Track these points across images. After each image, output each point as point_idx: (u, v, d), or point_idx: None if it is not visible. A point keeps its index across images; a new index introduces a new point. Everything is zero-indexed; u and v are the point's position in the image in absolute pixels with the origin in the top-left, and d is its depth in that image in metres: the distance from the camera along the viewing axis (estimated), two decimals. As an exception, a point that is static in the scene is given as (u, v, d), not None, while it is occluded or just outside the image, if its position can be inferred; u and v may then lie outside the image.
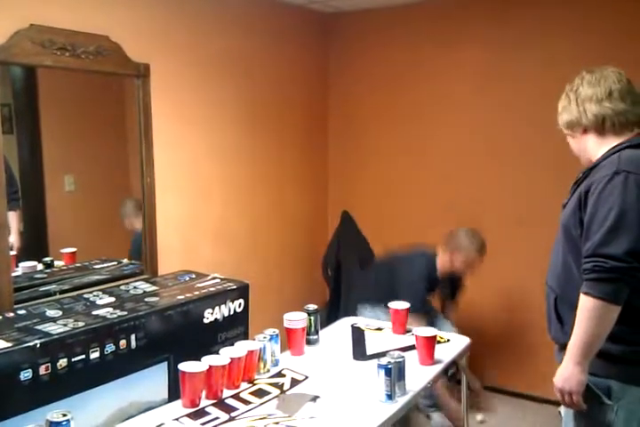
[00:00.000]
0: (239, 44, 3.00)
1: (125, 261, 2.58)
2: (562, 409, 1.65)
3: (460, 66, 3.19)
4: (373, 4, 3.34)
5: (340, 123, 3.68)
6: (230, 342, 1.97)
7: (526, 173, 3.08)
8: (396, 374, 1.71)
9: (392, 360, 1.70)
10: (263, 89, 3.19)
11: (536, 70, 3.00)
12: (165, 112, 2.60)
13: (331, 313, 3.32)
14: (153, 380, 1.85)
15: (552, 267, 1.65)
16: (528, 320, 3.14)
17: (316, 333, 2.15)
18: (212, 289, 2.08)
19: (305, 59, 3.51)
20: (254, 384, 1.79)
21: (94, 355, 1.67)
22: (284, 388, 1.77)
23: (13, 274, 2.14)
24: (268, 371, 1.88)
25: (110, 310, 1.83)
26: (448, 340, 2.17)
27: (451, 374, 2.20)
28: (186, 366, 1.62)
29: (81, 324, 1.69)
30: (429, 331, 1.98)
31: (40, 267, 2.32)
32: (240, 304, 2.13)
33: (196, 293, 2.03)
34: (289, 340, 2.05)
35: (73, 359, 1.61)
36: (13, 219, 2.16)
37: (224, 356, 1.72)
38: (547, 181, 2.99)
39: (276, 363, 1.92)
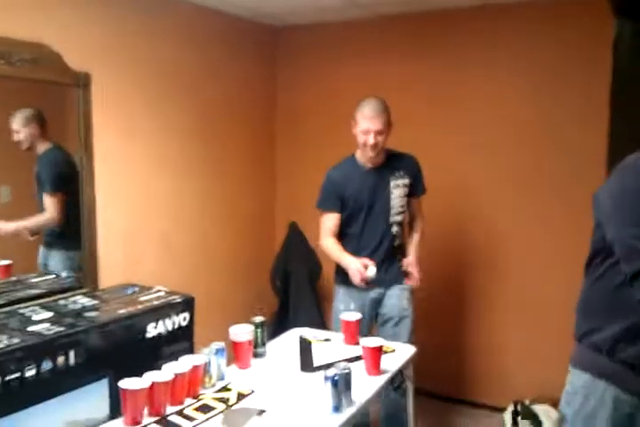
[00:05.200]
0: (186, 56, 2.97)
1: (65, 274, 2.50)
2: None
3: (406, 81, 3.25)
4: (322, 19, 3.38)
5: (288, 135, 3.69)
6: (175, 356, 1.93)
7: (474, 182, 3.17)
8: (342, 385, 1.71)
9: (338, 372, 1.70)
10: (211, 101, 3.17)
11: (486, 88, 3.10)
12: (108, 122, 2.54)
13: (279, 324, 3.30)
14: (93, 397, 1.78)
15: None
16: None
17: (263, 345, 2.14)
18: (155, 302, 2.03)
19: (253, 71, 3.50)
20: (199, 400, 1.75)
21: (30, 373, 1.59)
22: (230, 402, 1.74)
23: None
24: (214, 385, 1.85)
25: (47, 325, 1.76)
26: (394, 350, 2.19)
27: (397, 384, 2.21)
28: (127, 383, 1.57)
29: (16, 340, 1.61)
30: (375, 341, 1.99)
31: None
32: (185, 318, 2.08)
33: (139, 306, 1.97)
34: (235, 353, 2.02)
35: (7, 378, 1.54)
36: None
37: (167, 371, 1.68)
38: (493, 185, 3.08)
39: (221, 377, 1.89)
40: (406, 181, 2.60)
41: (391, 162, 2.59)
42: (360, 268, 2.39)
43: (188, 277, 3.00)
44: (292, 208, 3.69)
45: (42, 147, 2.41)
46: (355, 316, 2.25)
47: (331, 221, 2.57)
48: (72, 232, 2.49)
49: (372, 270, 2.39)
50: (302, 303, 3.47)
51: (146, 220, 2.81)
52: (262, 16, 3.32)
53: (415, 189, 2.65)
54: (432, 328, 3.11)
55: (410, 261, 2.65)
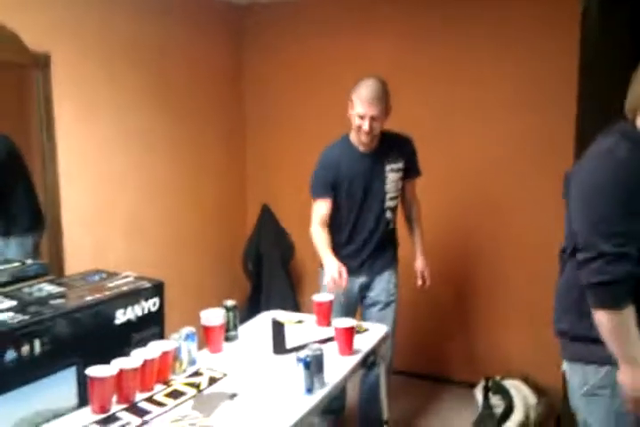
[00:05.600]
0: (150, 32, 2.89)
1: (29, 261, 2.43)
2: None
3: (377, 57, 3.20)
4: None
5: (259, 114, 3.63)
6: (145, 343, 1.90)
7: (444, 162, 3.16)
8: (314, 366, 1.70)
9: (310, 353, 1.69)
10: (178, 78, 3.10)
11: (448, 63, 3.08)
12: (69, 103, 2.47)
13: (252, 308, 3.29)
14: (61, 386, 1.75)
15: None
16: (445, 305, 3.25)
17: (235, 329, 2.12)
18: (124, 288, 1.98)
19: (220, 47, 3.44)
20: (169, 386, 1.73)
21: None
22: (201, 387, 1.72)
23: None
24: (185, 371, 1.83)
25: (11, 314, 1.71)
26: (367, 329, 2.19)
27: (370, 362, 2.22)
28: (94, 371, 1.55)
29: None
30: (348, 322, 1.99)
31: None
32: (155, 303, 2.04)
33: (107, 293, 1.93)
34: (206, 337, 2.00)
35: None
36: None
37: (136, 358, 1.65)
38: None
39: (192, 362, 1.87)
40: (401, 164, 2.51)
41: (386, 144, 2.47)
42: (336, 276, 2.29)
43: (158, 261, 2.97)
44: (263, 190, 3.65)
45: None
46: (327, 297, 2.24)
47: (323, 207, 2.47)
48: (27, 216, 2.42)
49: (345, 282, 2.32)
50: (275, 286, 3.46)
51: (112, 203, 2.76)
52: None
53: (410, 172, 2.56)
54: (409, 310, 3.12)
55: (422, 267, 2.58)
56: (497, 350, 3.16)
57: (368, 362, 2.07)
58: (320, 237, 2.44)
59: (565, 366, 1.59)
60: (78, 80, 2.53)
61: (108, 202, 2.73)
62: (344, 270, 2.31)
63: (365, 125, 2.31)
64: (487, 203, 3.11)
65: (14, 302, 1.83)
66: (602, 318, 1.39)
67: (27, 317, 1.69)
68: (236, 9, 3.48)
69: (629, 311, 1.37)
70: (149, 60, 2.91)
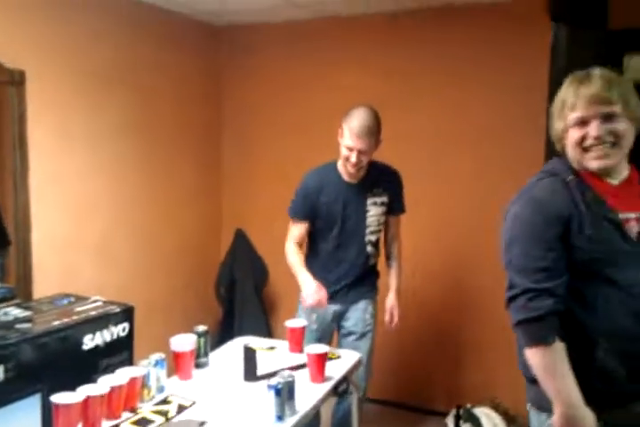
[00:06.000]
0: (127, 53, 2.91)
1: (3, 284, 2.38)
2: None
3: (356, 84, 3.24)
4: (265, 19, 3.36)
5: (235, 138, 3.65)
6: (113, 369, 1.86)
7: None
8: (285, 394, 1.69)
9: (282, 380, 1.68)
10: (154, 101, 3.11)
11: (429, 95, 3.14)
12: (44, 122, 2.46)
13: (224, 334, 3.25)
14: (25, 414, 1.69)
15: None
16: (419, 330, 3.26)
17: (206, 355, 2.09)
18: (92, 313, 1.95)
19: (197, 70, 3.46)
20: (137, 413, 1.69)
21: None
22: (169, 415, 1.69)
23: None
24: (153, 398, 1.79)
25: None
26: (339, 356, 2.18)
27: (342, 390, 2.20)
28: (59, 398, 1.50)
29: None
30: (320, 348, 1.98)
31: None
32: (124, 328, 2.01)
33: (75, 317, 1.89)
34: (176, 364, 1.97)
35: None
36: None
37: (103, 385, 1.62)
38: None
39: (161, 389, 1.84)
40: (385, 198, 2.46)
41: (371, 177, 2.43)
42: (313, 295, 2.24)
43: (128, 285, 2.92)
44: (238, 215, 3.65)
45: None
46: (299, 323, 2.23)
47: (299, 229, 2.44)
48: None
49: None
50: (248, 312, 3.43)
51: (83, 225, 2.72)
52: (203, 14, 3.28)
53: (394, 208, 2.52)
54: (388, 340, 3.10)
55: (392, 305, 2.54)
56: (471, 379, 3.16)
57: (340, 390, 2.06)
58: (295, 256, 2.42)
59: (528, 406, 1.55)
60: (53, 99, 2.52)
61: (79, 224, 2.70)
62: (322, 289, 2.27)
63: (353, 158, 2.27)
64: (469, 234, 3.14)
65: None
66: (532, 356, 1.37)
67: (9, 336, 1.65)
68: (214, 31, 3.52)
69: (559, 348, 1.34)
70: (126, 81, 2.91)
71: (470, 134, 3.08)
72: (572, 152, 1.43)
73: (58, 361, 1.79)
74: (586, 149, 1.40)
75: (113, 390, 1.62)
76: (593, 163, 1.39)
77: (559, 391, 1.34)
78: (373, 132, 2.28)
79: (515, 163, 2.93)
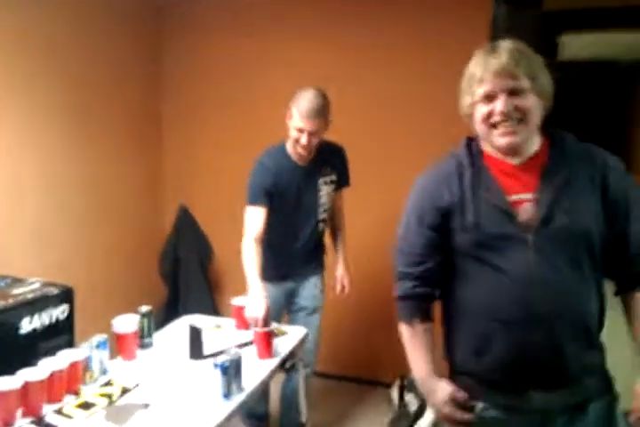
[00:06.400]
0: (60, 30, 2.75)
1: None
2: None
3: (304, 63, 3.19)
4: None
5: (176, 115, 3.54)
6: (53, 352, 1.81)
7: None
8: (232, 371, 1.69)
9: (227, 358, 1.68)
10: (89, 78, 2.96)
11: (368, 68, 3.13)
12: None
13: (170, 313, 3.21)
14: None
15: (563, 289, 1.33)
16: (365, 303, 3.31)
17: (150, 335, 2.06)
18: (29, 295, 1.89)
19: (136, 46, 3.32)
20: (80, 397, 1.66)
21: None
22: (113, 398, 1.66)
23: None
24: (96, 381, 1.76)
25: None
26: (285, 332, 2.20)
27: (289, 366, 2.23)
28: (7, 382, 1.46)
29: None
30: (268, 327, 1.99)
31: None
32: (63, 311, 1.95)
33: (11, 300, 1.83)
34: (119, 345, 1.93)
35: None
36: None
37: (43, 368, 1.57)
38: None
39: (104, 372, 1.81)
40: (333, 176, 2.48)
41: (320, 157, 2.42)
42: (256, 311, 2.11)
43: (67, 266, 2.83)
44: (182, 191, 3.57)
45: None
46: (246, 301, 2.23)
47: (259, 216, 2.32)
48: None
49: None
50: (194, 290, 3.40)
51: (16, 206, 2.60)
52: None
53: (340, 183, 2.54)
54: (335, 314, 3.14)
55: (342, 275, 2.60)
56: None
57: (287, 366, 2.09)
58: (251, 259, 2.28)
59: None
60: None
61: (11, 206, 2.58)
62: (266, 307, 2.16)
63: (303, 139, 2.25)
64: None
65: None
66: (400, 330, 1.49)
67: None
68: (152, 5, 3.38)
69: (418, 328, 1.45)
70: (59, 60, 2.75)
71: (412, 108, 3.09)
72: (479, 128, 1.38)
73: (8, 342, 1.73)
74: (493, 126, 1.34)
75: (53, 374, 1.58)
76: (500, 140, 1.34)
77: (412, 364, 1.47)
78: (323, 113, 2.26)
79: (457, 136, 2.97)
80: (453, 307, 1.45)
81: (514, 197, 1.34)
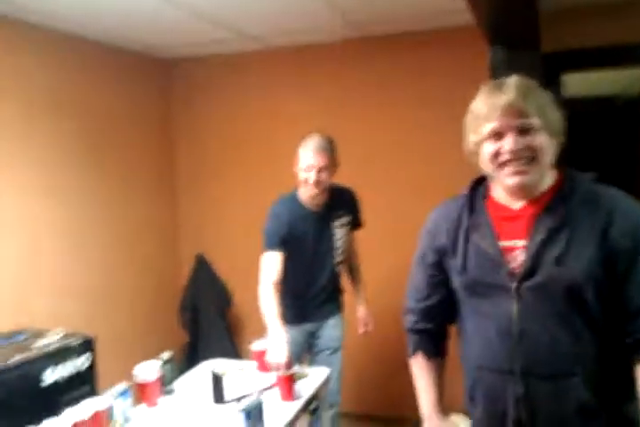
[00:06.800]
0: (72, 86, 2.86)
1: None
2: None
3: (306, 116, 3.27)
4: (215, 51, 3.37)
5: (190, 166, 3.62)
6: (76, 402, 1.79)
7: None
8: (256, 416, 1.67)
9: (250, 403, 1.67)
10: (105, 133, 3.07)
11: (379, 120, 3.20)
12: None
13: (190, 359, 3.20)
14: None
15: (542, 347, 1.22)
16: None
17: (172, 382, 2.05)
18: (51, 347, 1.90)
19: (147, 102, 3.42)
20: (103, 447, 1.65)
21: None
22: (138, 446, 1.65)
23: None
24: (120, 430, 1.74)
25: None
26: (307, 375, 2.17)
27: (314, 407, 2.19)
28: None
29: None
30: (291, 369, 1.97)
31: None
32: (85, 361, 1.97)
33: (33, 352, 1.85)
34: (142, 393, 1.92)
35: None
36: None
37: (66, 419, 1.57)
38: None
39: (127, 420, 1.79)
40: (347, 219, 2.51)
41: (332, 200, 2.45)
42: (278, 357, 2.06)
43: (87, 316, 2.84)
44: (198, 240, 3.61)
45: None
46: (265, 345, 2.20)
47: (276, 260, 2.31)
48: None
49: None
50: (213, 335, 3.39)
51: (37, 255, 2.64)
52: (150, 48, 3.27)
53: (354, 225, 2.57)
54: (357, 353, 3.09)
55: (364, 316, 2.61)
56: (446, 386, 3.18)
57: (312, 407, 2.05)
58: (270, 304, 2.24)
59: None
60: (8, 127, 2.47)
61: (32, 254, 2.62)
62: (288, 353, 2.12)
63: (312, 176, 2.27)
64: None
65: None
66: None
67: None
68: (161, 63, 3.51)
69: (420, 362, 1.45)
70: (72, 114, 2.85)
71: (418, 153, 3.14)
72: (486, 167, 1.28)
73: (17, 398, 1.74)
74: (501, 165, 1.23)
75: (76, 424, 1.57)
76: (509, 179, 1.23)
77: (419, 400, 1.46)
78: (330, 149, 2.32)
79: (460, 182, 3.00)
80: (460, 346, 1.42)
81: (507, 244, 1.26)
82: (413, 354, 1.47)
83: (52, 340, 1.97)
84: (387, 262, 3.13)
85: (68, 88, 2.85)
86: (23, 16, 2.52)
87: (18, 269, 2.53)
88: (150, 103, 3.45)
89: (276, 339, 2.15)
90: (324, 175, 2.30)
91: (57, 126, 2.76)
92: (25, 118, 2.59)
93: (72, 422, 1.56)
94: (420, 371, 1.46)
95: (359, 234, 2.68)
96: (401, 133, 3.18)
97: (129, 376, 1.92)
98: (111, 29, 2.82)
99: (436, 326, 1.45)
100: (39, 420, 1.56)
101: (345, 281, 2.68)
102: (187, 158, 3.63)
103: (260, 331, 2.36)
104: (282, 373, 1.98)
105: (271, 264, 2.31)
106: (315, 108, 3.30)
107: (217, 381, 1.99)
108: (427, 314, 1.44)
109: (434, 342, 1.47)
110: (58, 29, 2.74)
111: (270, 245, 2.34)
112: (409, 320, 1.47)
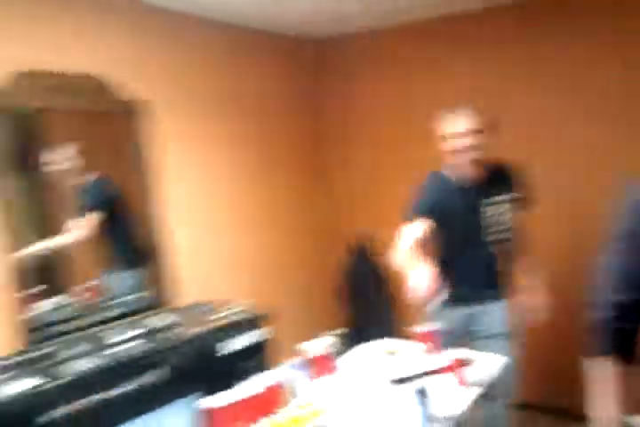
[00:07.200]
0: (234, 77, 3.02)
1: (144, 294, 2.51)
2: None
3: (450, 89, 3.11)
4: (364, 27, 3.29)
5: (336, 149, 3.64)
6: (249, 375, 1.84)
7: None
8: (428, 398, 1.63)
9: (427, 384, 1.62)
10: (261, 122, 3.20)
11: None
12: (170, 147, 2.61)
13: (351, 337, 3.24)
14: (178, 416, 1.77)
15: None
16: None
17: (339, 358, 2.07)
18: (230, 319, 2.02)
19: (298, 84, 3.48)
20: (275, 419, 1.67)
21: (115, 392, 1.61)
22: (308, 421, 1.66)
23: (34, 312, 2.05)
24: (291, 403, 1.77)
25: (132, 344, 1.78)
26: (474, 360, 2.05)
27: (485, 395, 2.08)
28: (209, 402, 1.54)
29: (101, 361, 1.63)
30: (458, 353, 1.90)
31: (64, 302, 2.23)
32: (259, 335, 2.05)
33: (209, 325, 1.96)
34: (313, 368, 1.96)
35: (96, 397, 1.55)
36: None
37: (239, 391, 1.62)
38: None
39: (298, 394, 1.83)
40: (506, 196, 2.34)
41: (485, 177, 2.32)
42: (420, 288, 1.99)
43: (257, 292, 2.99)
44: (357, 220, 3.62)
45: (85, 178, 2.39)
46: (431, 327, 2.14)
47: (417, 229, 2.21)
48: (129, 252, 2.53)
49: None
50: (375, 315, 3.40)
51: (213, 238, 2.86)
52: (303, 32, 3.31)
53: (516, 202, 2.37)
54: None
55: (535, 302, 2.41)
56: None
57: (485, 395, 1.95)
58: (403, 256, 2.15)
59: None
60: (176, 128, 2.66)
61: (209, 237, 2.83)
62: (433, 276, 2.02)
63: (461, 142, 2.19)
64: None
65: (134, 333, 1.90)
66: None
67: (147, 347, 1.75)
68: (313, 45, 3.53)
69: (607, 365, 1.27)
70: (235, 105, 3.01)
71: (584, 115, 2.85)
72: None
73: (206, 366, 1.85)
74: None
75: (250, 396, 1.62)
76: None
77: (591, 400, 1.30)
78: (474, 115, 2.22)
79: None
80: None
81: None
82: (603, 355, 1.26)
83: (230, 312, 2.08)
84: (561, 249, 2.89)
85: (227, 79, 2.99)
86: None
87: (197, 251, 2.75)
88: (299, 85, 3.49)
89: (419, 270, 2.02)
90: (475, 140, 2.19)
91: (218, 121, 2.92)
92: (194, 116, 2.79)
93: (248, 394, 1.63)
94: (608, 375, 1.25)
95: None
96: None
97: (295, 351, 1.97)
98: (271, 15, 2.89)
99: (636, 325, 1.23)
100: (214, 390, 1.62)
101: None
102: (334, 138, 3.62)
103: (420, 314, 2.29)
104: (424, 304, 1.86)
105: (410, 232, 2.22)
106: (474, 80, 3.11)
107: (387, 358, 1.96)
108: (635, 309, 1.21)
109: (631, 343, 1.24)
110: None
111: (411, 216, 2.26)
112: (605, 316, 1.25)
